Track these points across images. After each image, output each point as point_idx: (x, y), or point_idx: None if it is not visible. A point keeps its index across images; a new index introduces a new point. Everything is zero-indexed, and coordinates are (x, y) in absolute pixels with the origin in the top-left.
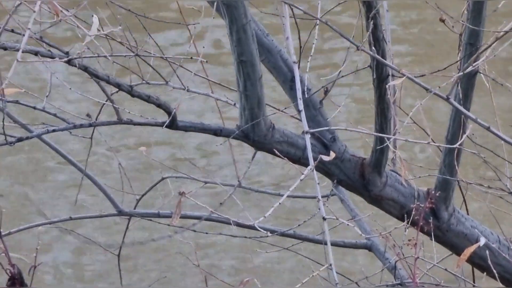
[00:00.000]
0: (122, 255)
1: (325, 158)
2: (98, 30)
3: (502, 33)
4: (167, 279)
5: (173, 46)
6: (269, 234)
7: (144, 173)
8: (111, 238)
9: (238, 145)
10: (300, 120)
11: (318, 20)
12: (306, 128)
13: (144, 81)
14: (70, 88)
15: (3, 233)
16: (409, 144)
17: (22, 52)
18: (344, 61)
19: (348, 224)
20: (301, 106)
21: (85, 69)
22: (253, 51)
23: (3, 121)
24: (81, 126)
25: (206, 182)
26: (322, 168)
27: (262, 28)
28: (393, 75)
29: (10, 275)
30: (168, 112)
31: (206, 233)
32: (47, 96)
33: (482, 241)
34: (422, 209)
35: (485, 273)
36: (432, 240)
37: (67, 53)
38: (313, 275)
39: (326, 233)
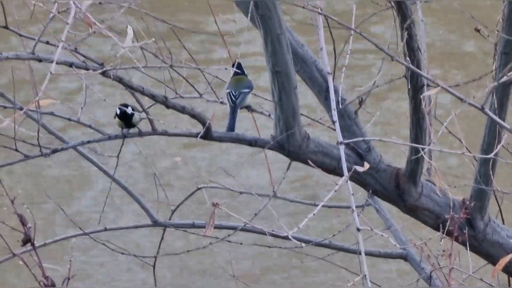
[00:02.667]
0: (156, 265)
1: (360, 168)
2: (133, 41)
3: None
4: None
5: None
6: (303, 244)
7: (179, 182)
8: (145, 247)
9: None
10: (335, 130)
11: (352, 31)
12: (341, 139)
13: (178, 95)
14: (104, 100)
15: (37, 245)
16: (444, 153)
17: (57, 63)
18: (379, 71)
19: (382, 235)
20: (335, 117)
21: (120, 80)
22: (288, 61)
23: (38, 133)
24: (116, 137)
25: (241, 193)
26: (357, 178)
27: (297, 39)
28: (428, 85)
29: (44, 287)
30: (203, 123)
31: (241, 243)
32: (82, 108)
33: None
34: (458, 219)
35: None
36: (467, 250)
37: (101, 65)
38: (348, 286)
39: (360, 243)
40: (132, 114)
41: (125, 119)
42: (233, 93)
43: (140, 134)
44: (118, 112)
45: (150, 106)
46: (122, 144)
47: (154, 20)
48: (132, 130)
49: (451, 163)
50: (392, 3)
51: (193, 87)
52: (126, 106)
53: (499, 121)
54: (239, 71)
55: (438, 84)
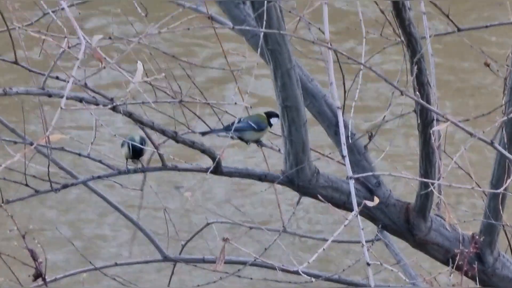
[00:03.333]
0: None
1: (370, 203)
2: (142, 77)
3: None
4: None
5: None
6: (313, 279)
7: (189, 217)
8: (155, 282)
9: (282, 190)
10: (345, 165)
11: (362, 65)
12: (350, 173)
13: (190, 130)
14: (114, 135)
15: (48, 280)
16: (454, 188)
17: (67, 99)
18: (389, 105)
19: (392, 270)
20: (345, 152)
21: (130, 115)
22: (297, 96)
23: (48, 168)
24: (127, 172)
25: (251, 228)
26: (367, 213)
27: (306, 73)
28: (437, 120)
29: None
30: (213, 158)
31: (251, 278)
32: (92, 143)
33: None
34: (467, 253)
35: None
36: (477, 284)
37: (111, 100)
38: None
39: (370, 278)
40: (142, 149)
41: (136, 155)
42: (239, 119)
43: (151, 169)
44: (129, 147)
45: (162, 143)
46: (144, 178)
47: (164, 55)
48: (137, 161)
49: (461, 197)
50: (402, 38)
51: (204, 122)
52: (136, 140)
53: (509, 156)
54: (274, 115)
55: (448, 118)
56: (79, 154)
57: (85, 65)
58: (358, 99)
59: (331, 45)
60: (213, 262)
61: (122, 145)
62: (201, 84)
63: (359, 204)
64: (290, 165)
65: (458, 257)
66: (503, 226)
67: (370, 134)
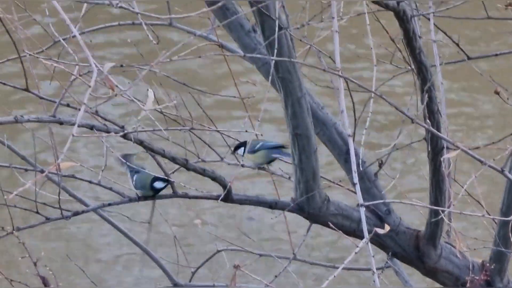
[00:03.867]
0: None
1: (380, 231)
2: (153, 104)
3: None
4: None
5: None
6: None
7: (198, 244)
8: None
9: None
10: (355, 192)
11: (372, 93)
12: (361, 201)
13: (200, 159)
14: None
15: None
16: (464, 215)
17: (78, 126)
18: (399, 133)
19: None
20: (356, 179)
21: (141, 143)
22: (308, 124)
23: (59, 195)
24: (137, 200)
25: (261, 255)
26: (377, 240)
27: (317, 101)
28: (447, 148)
29: None
30: (223, 186)
31: None
32: (102, 170)
33: None
34: (477, 281)
35: None
36: None
37: (122, 127)
38: None
39: None
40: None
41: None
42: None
43: (162, 197)
44: (154, 187)
45: (172, 172)
46: (153, 209)
47: (175, 83)
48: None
49: (471, 225)
50: (412, 66)
51: (214, 150)
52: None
53: None
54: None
55: (458, 146)
56: (90, 182)
57: (96, 92)
58: (369, 127)
59: (341, 73)
60: None
61: (139, 183)
62: (211, 106)
63: (369, 232)
64: (300, 192)
65: (468, 284)
66: None
67: (380, 162)
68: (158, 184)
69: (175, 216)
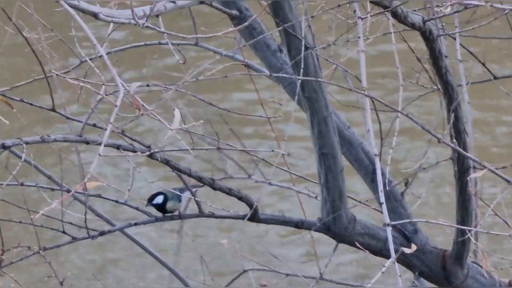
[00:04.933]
0: None
1: (407, 250)
2: (180, 124)
3: None
4: None
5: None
6: None
7: (225, 264)
8: None
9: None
10: (381, 212)
11: (399, 113)
12: (388, 221)
13: (227, 175)
14: (152, 182)
15: None
16: (491, 235)
17: (104, 146)
18: (425, 153)
19: None
20: (382, 199)
21: (167, 162)
22: (334, 143)
23: (85, 215)
24: (163, 219)
25: (287, 275)
26: (404, 260)
27: (343, 120)
28: (474, 167)
29: None
30: (250, 205)
31: None
32: (129, 190)
33: None
34: None
35: None
36: None
37: (148, 147)
38: None
39: None
40: (164, 203)
41: (161, 211)
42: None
43: (188, 216)
44: (154, 206)
45: (197, 189)
46: (182, 226)
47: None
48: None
49: (498, 244)
50: (438, 85)
51: (242, 168)
52: (157, 195)
53: None
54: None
55: (485, 166)
56: (116, 201)
57: (122, 112)
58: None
59: (368, 92)
60: None
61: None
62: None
63: (396, 251)
64: (327, 212)
65: None
66: None
67: (406, 181)
68: (157, 200)
69: (202, 234)
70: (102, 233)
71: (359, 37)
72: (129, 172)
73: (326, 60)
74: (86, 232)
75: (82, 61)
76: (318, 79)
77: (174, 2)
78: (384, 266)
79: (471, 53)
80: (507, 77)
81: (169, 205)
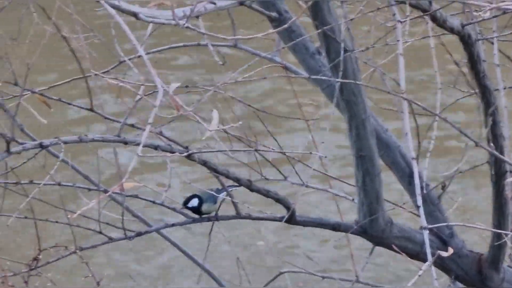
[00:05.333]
0: None
1: (443, 253)
2: (218, 125)
3: None
4: None
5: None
6: None
7: (261, 266)
8: None
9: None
10: (418, 215)
11: (437, 117)
12: (425, 224)
13: (263, 177)
14: (189, 183)
15: None
16: None
17: (143, 146)
18: (462, 157)
19: None
20: (420, 202)
21: (204, 163)
22: (372, 146)
23: (122, 215)
24: (200, 220)
25: (323, 277)
26: (440, 263)
27: (381, 123)
28: (511, 171)
29: None
30: (287, 207)
31: None
32: (166, 191)
33: None
34: None
35: None
36: None
37: (186, 148)
38: None
39: None
40: (200, 206)
41: (197, 213)
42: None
43: (225, 218)
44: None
45: (232, 189)
46: (212, 226)
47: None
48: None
49: None
50: (476, 90)
51: (278, 170)
52: (192, 198)
53: None
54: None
55: None
56: (153, 202)
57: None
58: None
59: (406, 95)
60: None
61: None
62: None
63: (432, 255)
64: (363, 215)
65: None
66: None
67: (443, 185)
68: (192, 203)
69: (239, 235)
70: (139, 234)
71: (398, 40)
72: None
73: (365, 63)
74: (122, 233)
75: (121, 61)
76: (357, 82)
77: (214, 3)
78: (420, 269)
79: (508, 57)
80: None
81: (204, 207)
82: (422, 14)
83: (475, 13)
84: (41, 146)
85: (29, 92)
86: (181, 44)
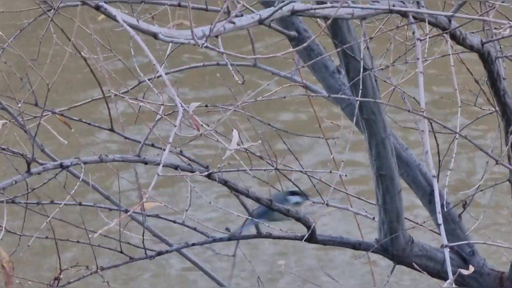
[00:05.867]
0: None
1: (464, 272)
2: (238, 144)
3: None
4: None
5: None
6: None
7: (282, 286)
8: None
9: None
10: (439, 234)
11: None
12: (446, 242)
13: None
14: (210, 202)
15: None
16: None
17: (163, 166)
18: (483, 175)
19: None
20: (440, 220)
21: (225, 183)
22: (392, 165)
23: (143, 235)
24: (221, 240)
25: None
26: (461, 281)
27: (401, 142)
28: None
29: None
30: (307, 226)
31: None
32: (186, 210)
33: None
34: None
35: None
36: None
37: (207, 167)
38: None
39: None
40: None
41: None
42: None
43: (245, 237)
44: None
45: (254, 210)
46: (237, 244)
47: (259, 122)
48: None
49: None
50: (496, 108)
51: (299, 188)
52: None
53: None
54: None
55: None
56: (174, 222)
57: (180, 132)
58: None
59: (426, 114)
60: None
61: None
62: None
63: (453, 273)
64: (384, 233)
65: None
66: None
67: (464, 203)
68: (293, 199)
69: (260, 255)
70: (160, 253)
71: (417, 59)
72: (186, 192)
73: (384, 81)
74: (143, 252)
75: (140, 81)
76: (377, 101)
77: (233, 23)
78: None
79: None
80: None
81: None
82: (441, 32)
83: (495, 31)
84: (62, 167)
85: (49, 112)
86: (201, 64)
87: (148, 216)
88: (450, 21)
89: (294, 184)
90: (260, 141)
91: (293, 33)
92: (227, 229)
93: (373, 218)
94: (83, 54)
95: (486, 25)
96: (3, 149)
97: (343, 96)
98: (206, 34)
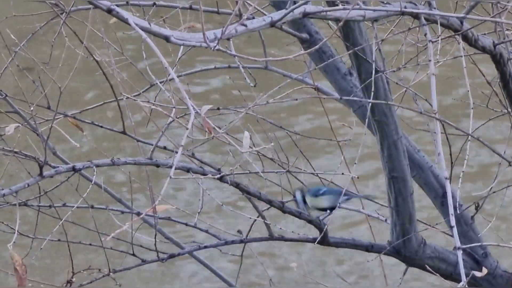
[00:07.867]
0: None
1: (477, 274)
2: (250, 147)
3: None
4: None
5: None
6: None
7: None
8: None
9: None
10: (451, 235)
11: (469, 136)
12: (458, 244)
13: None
14: (222, 205)
15: None
16: None
17: (175, 169)
18: (496, 176)
19: None
20: (453, 222)
21: (237, 185)
22: (404, 166)
23: (155, 238)
24: (233, 242)
25: None
26: (474, 283)
27: (413, 144)
28: None
29: None
30: (320, 228)
31: None
32: (198, 213)
33: None
34: None
35: None
36: None
37: (219, 170)
38: None
39: None
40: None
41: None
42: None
43: (257, 239)
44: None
45: (264, 210)
46: (244, 247)
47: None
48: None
49: None
50: (508, 109)
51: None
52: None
53: None
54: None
55: None
56: (186, 224)
57: (191, 135)
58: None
59: (438, 115)
60: None
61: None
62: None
63: (466, 275)
64: (396, 235)
65: None
66: None
67: (477, 205)
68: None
69: (272, 257)
70: (172, 256)
71: (429, 61)
72: (198, 194)
73: (396, 83)
74: (155, 255)
75: (152, 84)
76: (389, 102)
77: (245, 26)
78: None
79: None
80: None
81: (308, 199)
82: (453, 33)
83: (507, 32)
84: (74, 170)
85: (61, 115)
86: (212, 66)
87: (160, 219)
88: (462, 22)
89: (304, 185)
90: (272, 143)
91: (305, 35)
92: (239, 231)
93: (385, 220)
94: (95, 57)
95: (498, 27)
96: (16, 152)
97: (355, 98)
98: (218, 36)
